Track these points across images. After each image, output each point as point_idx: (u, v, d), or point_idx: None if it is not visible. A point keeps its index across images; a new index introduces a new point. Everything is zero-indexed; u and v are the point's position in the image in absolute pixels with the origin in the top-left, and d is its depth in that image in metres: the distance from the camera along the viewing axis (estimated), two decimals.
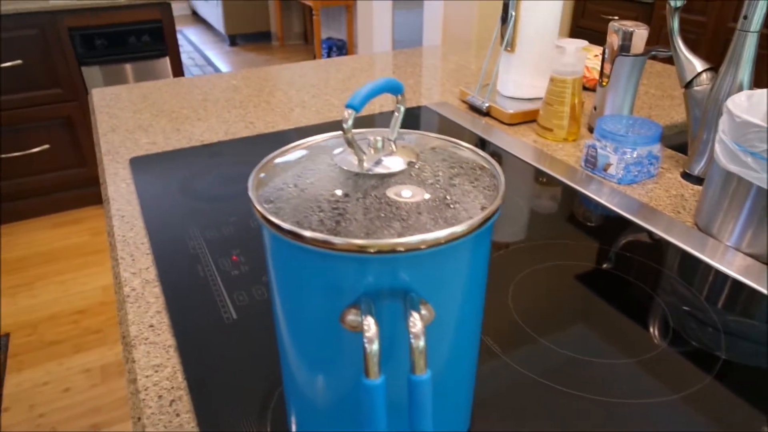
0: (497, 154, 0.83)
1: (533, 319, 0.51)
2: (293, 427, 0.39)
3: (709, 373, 0.44)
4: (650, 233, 0.64)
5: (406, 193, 0.28)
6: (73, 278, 2.02)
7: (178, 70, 2.36)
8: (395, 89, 0.30)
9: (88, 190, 2.36)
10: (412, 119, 0.96)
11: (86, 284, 1.99)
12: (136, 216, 0.68)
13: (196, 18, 6.06)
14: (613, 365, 0.45)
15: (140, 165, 0.80)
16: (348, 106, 0.27)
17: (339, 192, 0.29)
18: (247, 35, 5.04)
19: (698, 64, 0.72)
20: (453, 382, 0.33)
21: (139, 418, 0.42)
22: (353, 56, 1.39)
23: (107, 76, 2.23)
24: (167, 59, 2.32)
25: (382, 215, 0.27)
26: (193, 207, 0.69)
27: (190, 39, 5.31)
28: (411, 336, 0.24)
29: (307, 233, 0.26)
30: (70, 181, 2.30)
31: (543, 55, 0.92)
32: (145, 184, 0.75)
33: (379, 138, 0.31)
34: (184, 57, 4.63)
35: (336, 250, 0.25)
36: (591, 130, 0.90)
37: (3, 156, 2.12)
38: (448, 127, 0.92)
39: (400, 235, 0.26)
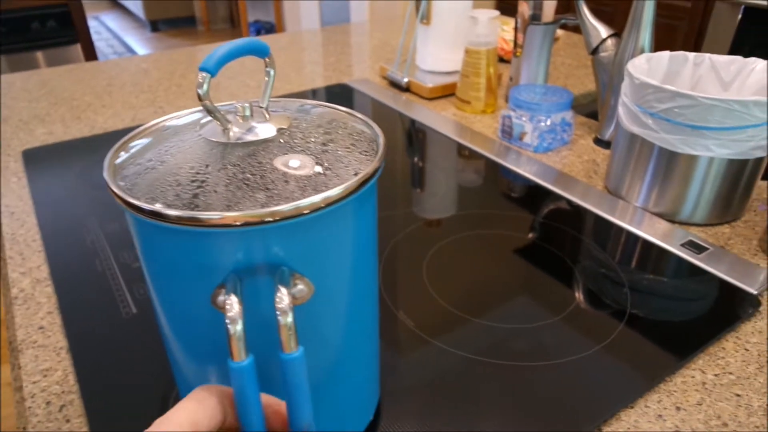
0: (420, 129, 0.82)
1: (450, 291, 0.50)
2: None
3: (619, 323, 0.45)
4: (566, 200, 0.65)
5: (275, 162, 0.27)
6: None
7: (92, 58, 2.21)
8: (260, 52, 0.28)
9: None
10: (330, 97, 0.93)
11: None
12: (27, 212, 0.62)
13: (114, 3, 5.72)
14: (529, 329, 0.45)
15: (34, 157, 0.74)
16: (202, 69, 0.25)
17: (199, 164, 0.27)
18: (169, 20, 4.80)
19: (603, 30, 0.74)
20: (350, 360, 0.32)
21: (24, 428, 0.38)
22: (273, 35, 1.34)
23: (15, 65, 2.07)
24: (78, 46, 2.18)
25: (246, 185, 0.25)
26: (92, 199, 0.64)
27: (107, 25, 5.01)
28: (278, 312, 0.22)
29: (149, 206, 0.24)
30: None
31: (459, 26, 0.91)
32: (40, 178, 0.69)
33: (246, 104, 0.29)
34: (102, 44, 4.36)
35: (190, 225, 0.23)
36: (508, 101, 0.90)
37: None
38: (368, 104, 0.91)
39: (264, 206, 0.24)
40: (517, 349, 0.44)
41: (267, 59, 0.29)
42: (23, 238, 0.58)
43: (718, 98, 0.51)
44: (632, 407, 0.39)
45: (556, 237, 0.58)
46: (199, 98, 0.25)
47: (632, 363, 0.42)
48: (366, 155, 0.28)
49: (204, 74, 0.25)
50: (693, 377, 0.41)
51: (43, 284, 0.52)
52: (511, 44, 1.07)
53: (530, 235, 0.58)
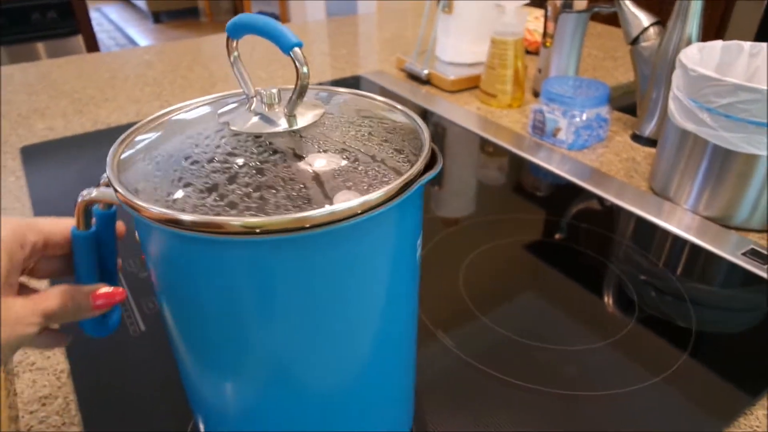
0: (440, 124, 0.77)
1: (487, 303, 0.45)
2: None
3: (683, 350, 0.40)
4: (604, 200, 0.60)
5: (307, 158, 0.23)
6: None
7: (93, 49, 2.16)
8: (283, 45, 0.23)
9: None
10: None
11: None
12: (26, 213, 0.58)
13: None
14: (578, 352, 0.41)
15: (34, 154, 0.69)
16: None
17: (217, 159, 0.22)
18: (172, 12, 4.73)
19: (645, 19, 0.68)
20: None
21: None
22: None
23: (15, 56, 2.02)
24: (80, 37, 2.12)
25: (273, 186, 0.21)
26: None
27: (109, 17, 4.95)
28: None
29: (160, 210, 0.20)
30: None
31: (483, 16, 0.86)
32: (39, 176, 0.64)
33: (273, 91, 0.24)
34: (103, 36, 4.31)
35: (207, 232, 0.20)
36: (536, 95, 0.85)
37: None
38: (386, 97, 0.86)
39: (292, 210, 0.20)
40: (562, 374, 0.39)
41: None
42: None
43: None
44: None
45: (598, 242, 0.53)
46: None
47: (705, 394, 0.37)
48: (412, 153, 0.24)
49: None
50: None
51: None
52: (536, 35, 1.02)
53: (565, 238, 0.53)
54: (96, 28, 2.29)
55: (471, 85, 0.88)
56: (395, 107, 0.29)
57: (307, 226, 0.20)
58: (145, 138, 0.26)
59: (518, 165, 0.68)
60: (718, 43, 0.58)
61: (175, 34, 4.37)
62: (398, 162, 0.23)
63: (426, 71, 0.89)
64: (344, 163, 0.22)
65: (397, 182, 0.21)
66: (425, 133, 0.26)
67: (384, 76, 0.94)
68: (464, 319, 0.44)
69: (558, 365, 0.39)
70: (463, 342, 0.41)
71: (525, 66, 0.82)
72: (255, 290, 0.22)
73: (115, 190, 0.22)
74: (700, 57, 0.57)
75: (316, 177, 0.22)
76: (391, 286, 0.25)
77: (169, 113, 0.28)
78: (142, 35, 4.36)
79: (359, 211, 0.20)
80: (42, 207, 0.58)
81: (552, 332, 0.42)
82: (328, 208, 0.20)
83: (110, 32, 4.48)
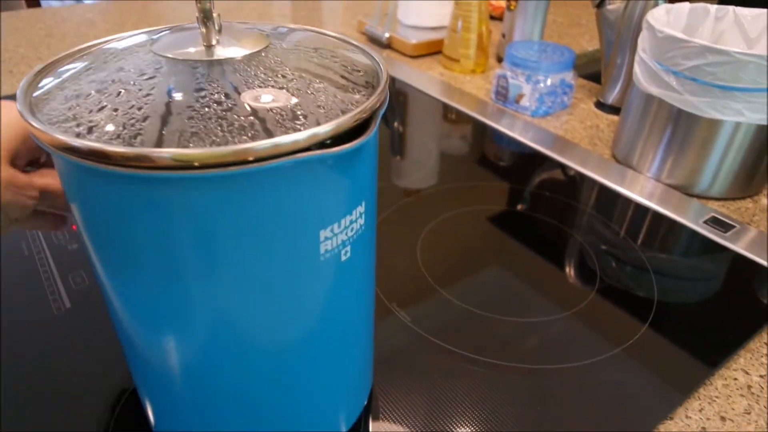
0: (402, 90, 0.74)
1: (445, 274, 0.43)
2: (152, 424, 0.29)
3: (643, 321, 0.39)
4: (568, 168, 0.58)
5: (249, 91, 0.20)
6: None
7: (33, 4, 2.02)
8: None
9: None
10: None
11: None
12: None
13: None
14: (537, 324, 0.39)
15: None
16: None
17: (148, 88, 0.20)
18: None
19: None
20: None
21: None
22: None
23: None
24: None
25: (211, 117, 0.18)
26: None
27: None
28: None
29: (83, 143, 0.18)
30: None
31: None
32: None
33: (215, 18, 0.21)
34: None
35: (137, 167, 0.17)
36: (500, 60, 0.83)
37: None
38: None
39: (240, 143, 0.18)
40: (524, 348, 0.37)
41: None
42: None
43: (756, 54, 0.45)
44: (672, 418, 0.33)
45: (560, 210, 0.51)
46: None
47: (665, 365, 0.36)
48: (366, 89, 0.21)
49: None
50: (736, 380, 0.35)
51: None
52: (502, 1, 0.99)
53: (527, 208, 0.51)
54: None
55: (434, 50, 0.84)
56: (352, 44, 0.26)
57: (250, 159, 0.17)
58: (68, 69, 0.22)
59: (481, 132, 0.65)
60: (685, 5, 0.57)
61: None
62: (352, 97, 0.21)
63: (387, 35, 0.85)
64: (293, 96, 0.20)
65: (348, 115, 0.19)
66: (382, 69, 0.23)
67: None
68: (421, 292, 0.41)
69: (517, 338, 0.38)
70: (420, 316, 0.39)
71: (489, 30, 0.79)
72: (190, 236, 0.19)
73: (30, 125, 0.18)
74: (667, 19, 0.56)
75: (261, 110, 0.19)
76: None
77: (99, 44, 0.24)
78: None
79: (306, 146, 0.18)
80: None
81: (511, 304, 0.40)
82: (272, 140, 0.17)
83: None
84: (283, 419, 0.26)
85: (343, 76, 0.22)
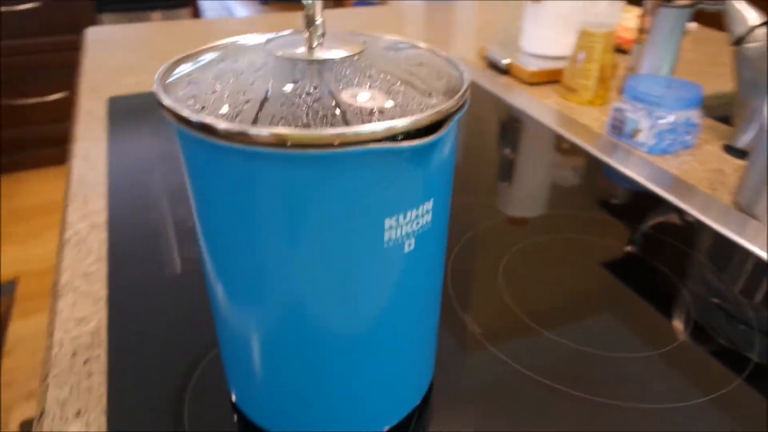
0: (516, 117, 0.74)
1: (532, 302, 0.43)
2: (233, 396, 0.33)
3: (738, 375, 0.36)
4: (681, 211, 0.54)
5: (345, 90, 0.22)
6: None
7: (196, 16, 2.29)
8: None
9: None
10: None
11: None
12: (100, 156, 0.62)
13: None
14: (616, 360, 0.37)
15: (120, 104, 0.74)
16: None
17: (262, 81, 0.23)
18: None
19: (753, 17, 0.62)
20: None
21: (46, 376, 0.36)
22: (372, 7, 1.30)
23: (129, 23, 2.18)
24: (190, 9, 2.25)
25: (313, 109, 0.21)
26: (164, 152, 0.62)
27: None
28: None
29: (195, 117, 0.21)
30: None
31: (574, 6, 0.81)
32: (120, 124, 0.68)
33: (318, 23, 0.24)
34: (212, 15, 4.55)
35: (239, 142, 0.20)
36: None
37: (26, 102, 2.09)
38: None
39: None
40: (594, 378, 0.36)
41: None
42: (91, 181, 0.57)
43: None
44: None
45: (664, 253, 0.48)
46: None
47: (752, 426, 0.33)
48: (444, 97, 0.23)
49: None
50: None
51: (99, 230, 0.50)
52: (632, 33, 0.95)
53: (632, 247, 0.49)
54: (206, 5, 2.42)
55: (552, 78, 0.84)
56: (442, 56, 0.28)
57: (333, 143, 0.20)
58: (198, 60, 0.27)
59: (593, 165, 0.63)
60: None
61: (284, 16, 4.54)
62: (429, 101, 0.23)
63: (505, 61, 0.86)
64: (375, 94, 0.22)
65: (424, 114, 0.21)
66: (464, 78, 0.25)
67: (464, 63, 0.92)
68: (502, 317, 0.41)
69: (590, 368, 0.36)
70: (488, 326, 0.39)
71: (615, 64, 0.76)
72: (273, 208, 0.22)
73: (161, 102, 0.23)
74: None
75: (344, 103, 0.22)
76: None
77: (227, 43, 0.29)
78: (248, 15, 4.56)
79: (383, 137, 0.20)
80: (116, 154, 0.62)
81: (590, 331, 0.39)
82: (354, 128, 0.20)
83: (217, 10, 4.72)
84: (335, 399, 0.28)
85: (424, 82, 0.24)
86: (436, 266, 0.27)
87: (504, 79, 0.86)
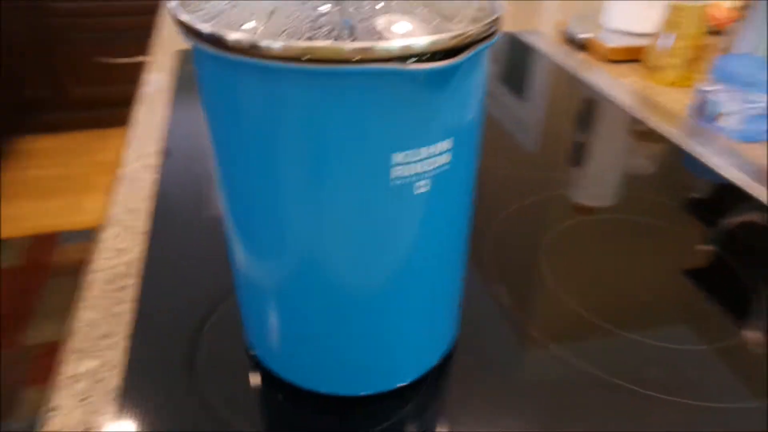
0: (589, 97, 0.69)
1: (583, 288, 0.40)
2: (248, 338, 0.33)
3: None
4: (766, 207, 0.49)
5: (377, 20, 0.21)
6: None
7: None
8: None
9: None
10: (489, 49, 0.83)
11: None
12: (164, 104, 0.63)
13: None
14: (672, 352, 0.34)
15: (188, 58, 0.76)
16: None
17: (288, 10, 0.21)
18: None
19: None
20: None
21: (81, 298, 0.37)
22: None
23: None
24: None
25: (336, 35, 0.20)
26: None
27: None
28: None
29: (207, 29, 0.20)
30: None
31: None
32: (186, 78, 0.70)
33: None
34: None
35: (251, 55, 0.19)
36: None
37: (116, 61, 2.21)
38: (534, 60, 0.79)
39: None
40: (647, 372, 0.32)
41: None
42: (150, 124, 0.59)
43: None
44: None
45: (742, 251, 0.44)
46: None
47: None
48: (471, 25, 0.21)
49: None
50: None
51: (152, 170, 0.51)
52: (728, 12, 0.86)
53: (708, 246, 0.44)
54: None
55: (632, 57, 0.77)
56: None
57: (343, 58, 0.18)
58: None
59: (670, 151, 0.58)
60: None
61: None
62: (452, 26, 0.21)
63: (583, 35, 0.80)
64: (394, 17, 0.21)
65: (444, 35, 0.19)
66: (497, 5, 0.23)
67: (538, 36, 0.87)
68: (556, 308, 0.39)
69: (643, 361, 0.33)
70: (554, 334, 0.37)
71: (705, 43, 0.69)
72: (284, 124, 0.21)
73: (177, 18, 0.22)
74: None
75: (361, 28, 0.20)
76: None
77: None
78: None
79: (398, 56, 0.19)
80: (183, 100, 0.64)
81: (648, 324, 0.36)
82: (365, 44, 0.18)
83: None
84: (343, 347, 0.27)
85: (450, 11, 0.22)
86: (456, 216, 0.25)
87: (582, 56, 0.81)
